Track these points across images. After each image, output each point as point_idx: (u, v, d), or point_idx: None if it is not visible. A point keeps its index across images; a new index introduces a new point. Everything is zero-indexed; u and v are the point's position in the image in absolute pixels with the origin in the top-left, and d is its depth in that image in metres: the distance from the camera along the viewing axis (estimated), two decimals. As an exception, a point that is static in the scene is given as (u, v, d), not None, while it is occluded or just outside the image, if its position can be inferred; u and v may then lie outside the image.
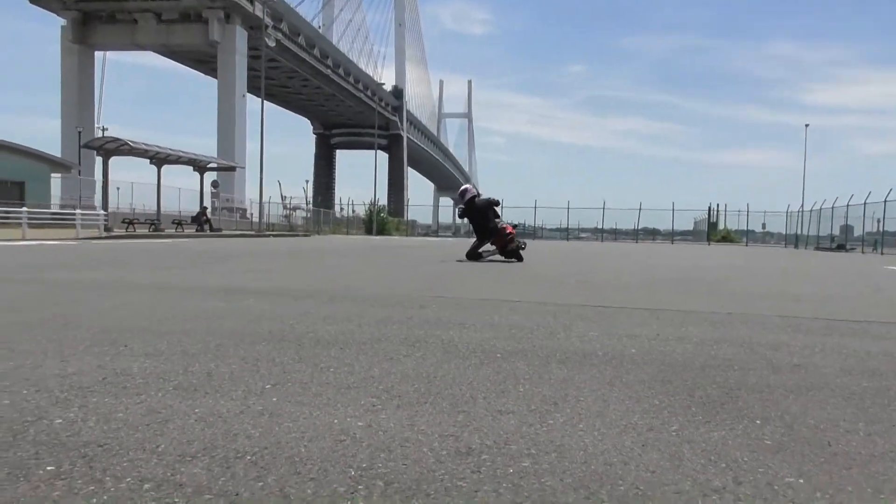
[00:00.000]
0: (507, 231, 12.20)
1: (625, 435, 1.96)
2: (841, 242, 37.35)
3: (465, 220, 12.85)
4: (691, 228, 57.42)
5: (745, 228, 50.91)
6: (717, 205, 52.85)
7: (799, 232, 44.52)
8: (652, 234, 56.34)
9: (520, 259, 11.99)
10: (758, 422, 2.14)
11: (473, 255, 12.03)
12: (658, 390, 2.51)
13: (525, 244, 12.72)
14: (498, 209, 12.70)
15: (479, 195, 13.06)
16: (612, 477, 1.63)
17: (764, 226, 53.15)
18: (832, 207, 38.50)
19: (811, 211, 41.91)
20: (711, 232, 50.27)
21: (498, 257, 12.18)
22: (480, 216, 12.43)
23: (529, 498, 1.50)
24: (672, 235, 51.75)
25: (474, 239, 12.59)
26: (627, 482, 1.60)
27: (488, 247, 12.28)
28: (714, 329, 4.16)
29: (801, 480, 1.66)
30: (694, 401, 2.38)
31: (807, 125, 56.54)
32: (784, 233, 50.08)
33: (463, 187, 13.28)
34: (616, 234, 54.16)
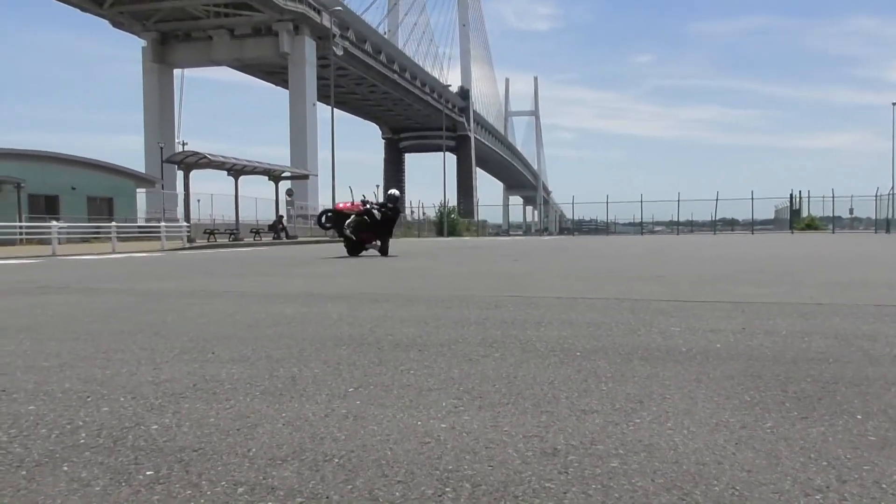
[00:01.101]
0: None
1: (716, 433, 1.90)
2: (937, 225, 35.26)
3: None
4: (772, 217, 55.31)
5: (832, 215, 48.61)
6: (800, 191, 50.70)
7: (890, 216, 42.22)
8: (730, 224, 54.57)
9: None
10: (859, 417, 2.04)
11: (360, 248, 13.95)
12: (748, 386, 2.42)
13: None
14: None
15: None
16: (705, 477, 1.58)
17: (851, 211, 50.56)
18: (926, 188, 36.39)
19: (902, 193, 39.72)
20: (794, 220, 48.22)
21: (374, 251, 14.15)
22: (394, 222, 14.55)
23: (620, 500, 1.47)
24: (752, 225, 49.93)
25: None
26: (723, 482, 1.55)
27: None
28: (804, 321, 3.99)
29: (912, 479, 1.56)
30: (788, 396, 2.28)
31: (894, 103, 53.56)
32: (874, 218, 47.57)
33: (396, 193, 14.81)
34: (692, 227, 52.69)
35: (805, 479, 1.56)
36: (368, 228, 13.75)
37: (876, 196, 45.29)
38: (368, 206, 13.80)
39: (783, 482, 1.54)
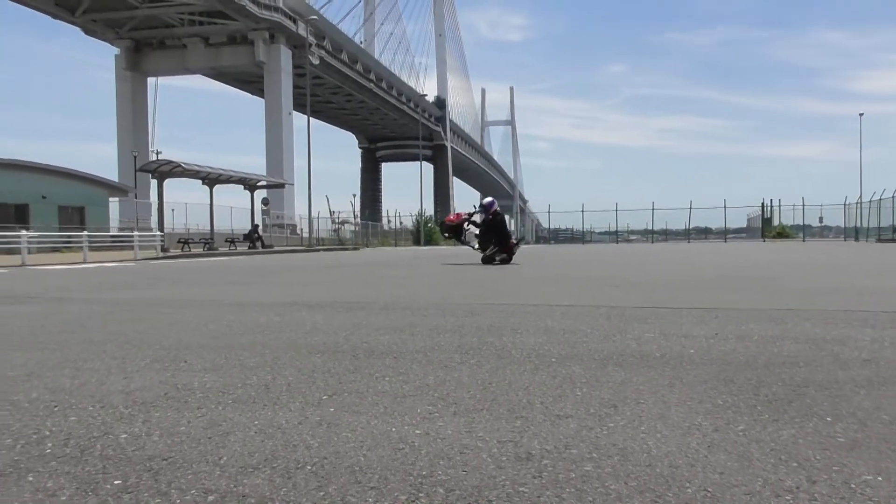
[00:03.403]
0: (513, 239, 14.91)
1: (689, 436, 1.91)
2: (903, 233, 36.01)
3: (475, 228, 14.58)
4: (745, 226, 56.06)
5: (802, 223, 49.41)
6: (771, 200, 51.41)
7: (858, 224, 43.02)
8: (704, 233, 55.19)
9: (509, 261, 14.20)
10: (829, 419, 2.06)
11: (490, 258, 13.93)
12: (721, 390, 2.44)
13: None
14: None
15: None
16: (678, 479, 1.59)
17: (821, 219, 51.40)
18: (892, 197, 37.15)
19: (870, 202, 40.49)
20: (766, 228, 48.94)
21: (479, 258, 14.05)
22: (503, 226, 14.58)
23: (594, 503, 1.47)
24: (725, 233, 50.55)
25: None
26: (695, 484, 1.55)
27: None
28: (776, 326, 4.04)
29: (880, 478, 1.58)
30: (759, 399, 2.30)
31: (861, 114, 54.62)
32: (843, 226, 48.41)
33: (491, 199, 14.86)
34: (667, 235, 53.22)
35: (776, 481, 1.57)
36: (489, 239, 14.17)
37: (844, 205, 46.13)
38: (472, 214, 14.73)
39: (754, 483, 1.55)
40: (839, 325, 4.03)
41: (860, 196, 43.52)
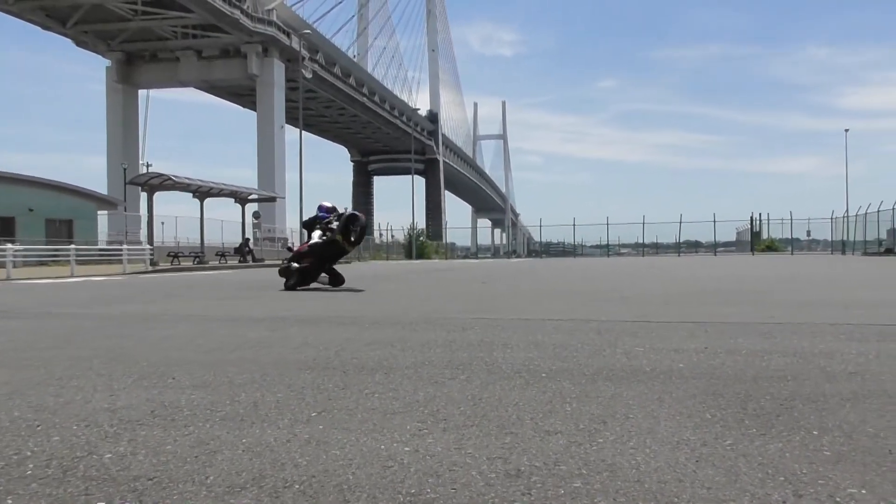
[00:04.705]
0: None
1: (678, 451, 1.91)
2: (889, 246, 36.12)
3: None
4: (734, 239, 56.31)
5: (790, 237, 49.70)
6: (760, 214, 51.72)
7: (845, 238, 43.27)
8: (694, 246, 55.37)
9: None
10: (815, 432, 2.07)
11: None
12: (709, 404, 2.45)
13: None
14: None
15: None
16: (667, 495, 1.59)
17: (809, 233, 51.81)
18: (878, 211, 37.36)
19: (857, 216, 40.70)
20: (755, 242, 49.17)
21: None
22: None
23: (582, 520, 1.46)
24: (715, 247, 50.77)
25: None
26: (683, 500, 1.55)
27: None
28: (764, 340, 4.05)
29: (864, 491, 1.59)
30: (747, 413, 2.31)
31: (846, 130, 55.52)
32: (830, 239, 48.72)
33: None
34: (657, 249, 53.38)
35: (763, 495, 1.57)
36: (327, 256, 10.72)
37: (831, 219, 46.41)
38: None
39: (742, 498, 1.56)
40: (826, 339, 4.05)
41: (846, 210, 43.76)
